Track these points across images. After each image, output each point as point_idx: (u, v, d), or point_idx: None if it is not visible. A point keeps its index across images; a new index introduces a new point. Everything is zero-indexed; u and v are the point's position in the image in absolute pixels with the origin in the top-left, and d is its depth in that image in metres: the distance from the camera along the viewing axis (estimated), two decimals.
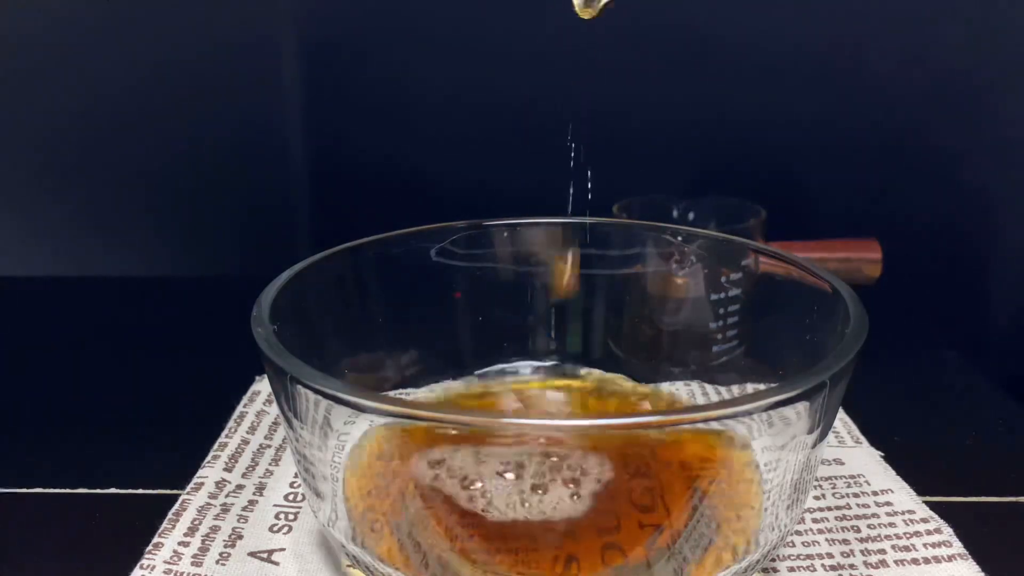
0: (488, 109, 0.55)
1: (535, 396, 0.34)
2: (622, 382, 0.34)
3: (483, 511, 0.25)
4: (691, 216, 0.46)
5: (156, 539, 0.27)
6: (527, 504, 0.25)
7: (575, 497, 0.26)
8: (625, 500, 0.27)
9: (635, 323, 0.35)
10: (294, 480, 0.31)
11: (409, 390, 0.33)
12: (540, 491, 0.26)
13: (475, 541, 0.25)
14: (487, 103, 0.55)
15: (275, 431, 0.34)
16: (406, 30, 0.54)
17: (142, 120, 0.55)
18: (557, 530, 0.25)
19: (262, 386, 0.37)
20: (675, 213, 0.46)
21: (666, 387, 0.34)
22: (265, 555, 0.27)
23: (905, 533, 0.28)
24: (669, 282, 0.34)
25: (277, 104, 0.55)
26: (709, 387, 0.33)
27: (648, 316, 0.35)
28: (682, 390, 0.34)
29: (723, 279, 0.34)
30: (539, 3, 0.53)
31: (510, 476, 0.26)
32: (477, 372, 0.34)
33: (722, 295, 0.34)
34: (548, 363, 0.35)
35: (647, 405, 0.33)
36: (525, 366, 0.35)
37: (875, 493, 0.30)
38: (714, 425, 0.25)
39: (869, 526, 0.28)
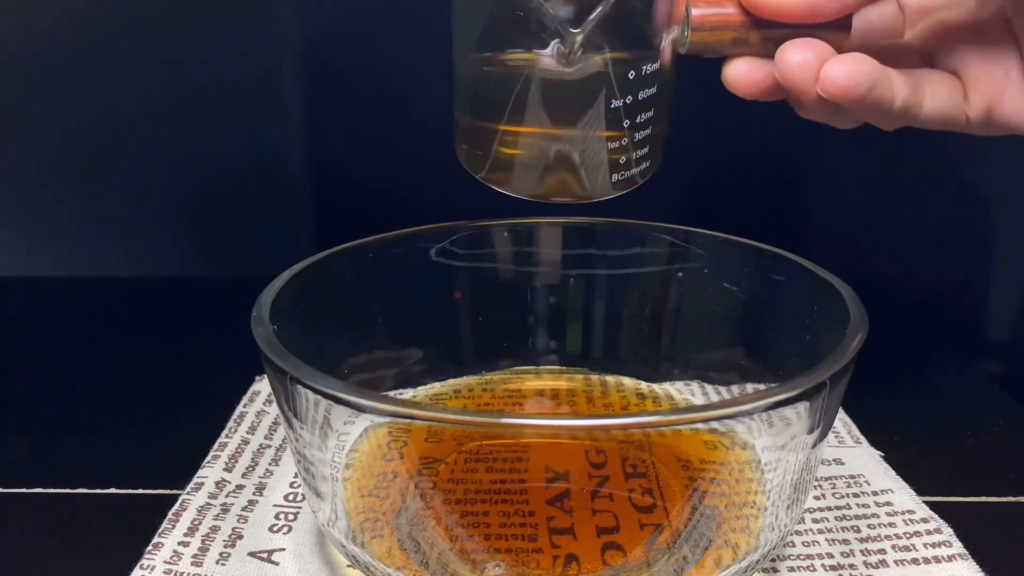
0: None
1: (535, 396, 0.34)
2: (622, 382, 0.34)
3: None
4: None
5: (156, 539, 0.27)
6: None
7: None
8: (625, 500, 0.27)
9: (635, 323, 0.35)
10: (294, 480, 0.31)
11: (409, 390, 0.33)
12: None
13: (475, 541, 0.25)
14: None
15: (275, 431, 0.34)
16: (406, 33, 0.54)
17: (144, 121, 0.55)
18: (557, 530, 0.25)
19: (262, 386, 0.37)
20: None
21: (666, 387, 0.34)
22: (265, 555, 0.27)
23: (905, 533, 0.28)
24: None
25: (278, 105, 0.55)
26: (709, 387, 0.33)
27: (645, 310, 0.35)
28: (682, 390, 0.34)
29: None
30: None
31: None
32: (477, 372, 0.34)
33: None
34: (548, 363, 0.35)
35: (647, 405, 0.33)
36: (525, 366, 0.35)
37: (875, 493, 0.30)
38: (714, 425, 0.25)
39: (869, 526, 0.28)
